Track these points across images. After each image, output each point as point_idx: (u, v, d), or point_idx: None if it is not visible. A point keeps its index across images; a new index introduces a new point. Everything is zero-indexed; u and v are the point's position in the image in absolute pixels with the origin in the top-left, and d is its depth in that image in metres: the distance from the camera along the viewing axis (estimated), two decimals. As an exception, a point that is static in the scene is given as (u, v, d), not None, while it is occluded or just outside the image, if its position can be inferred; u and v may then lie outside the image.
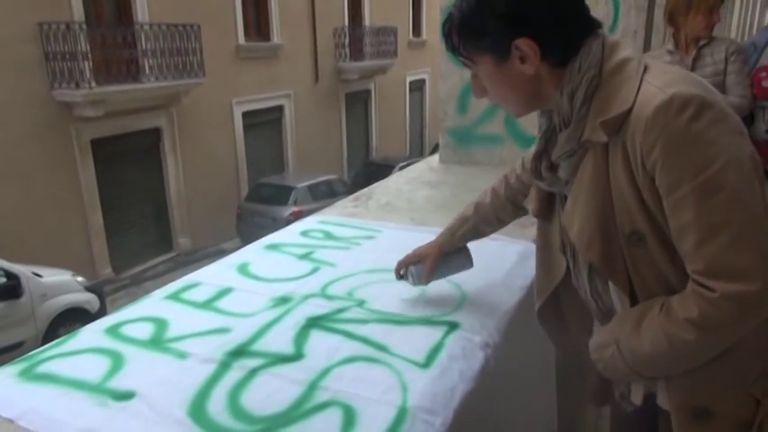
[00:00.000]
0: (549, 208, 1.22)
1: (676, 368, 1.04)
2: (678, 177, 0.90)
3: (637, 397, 1.18)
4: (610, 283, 1.10)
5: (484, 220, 1.54)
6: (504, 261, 1.84)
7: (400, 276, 1.63)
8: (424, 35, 20.84)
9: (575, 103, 1.01)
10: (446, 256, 1.59)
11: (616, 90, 0.98)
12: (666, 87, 0.92)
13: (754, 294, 0.88)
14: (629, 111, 0.95)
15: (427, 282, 1.58)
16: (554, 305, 1.30)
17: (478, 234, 1.59)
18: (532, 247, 1.95)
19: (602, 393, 1.34)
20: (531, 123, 3.33)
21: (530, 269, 1.79)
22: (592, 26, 1.03)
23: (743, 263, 0.89)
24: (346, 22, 16.73)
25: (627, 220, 1.00)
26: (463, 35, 1.07)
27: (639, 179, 0.96)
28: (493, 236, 1.93)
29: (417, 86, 21.11)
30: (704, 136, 0.89)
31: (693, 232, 0.91)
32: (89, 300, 7.70)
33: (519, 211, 1.50)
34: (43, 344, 1.44)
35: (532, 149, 1.24)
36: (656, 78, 0.96)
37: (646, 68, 0.98)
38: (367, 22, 17.60)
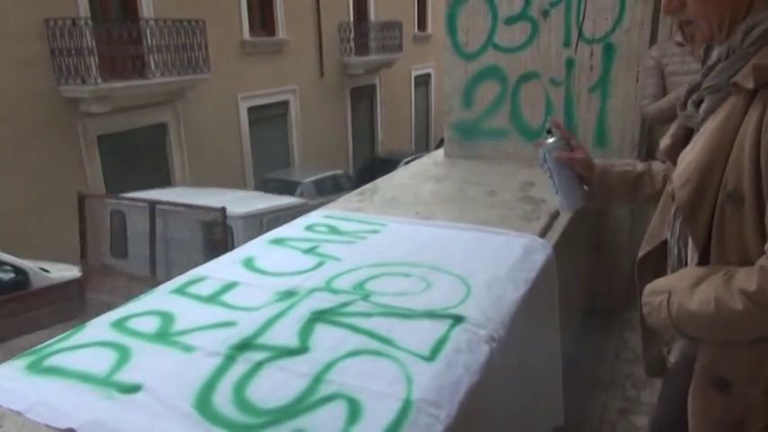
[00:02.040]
0: (681, 148, 1.15)
1: (713, 334, 1.04)
2: None
3: (674, 354, 1.19)
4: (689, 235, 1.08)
5: (647, 177, 1.44)
6: (510, 255, 1.83)
7: (548, 131, 1.49)
8: (429, 29, 20.77)
9: (748, 37, 0.97)
10: (580, 176, 1.46)
11: None
12: None
13: None
14: None
15: (550, 159, 1.45)
16: (656, 258, 1.25)
17: (635, 187, 1.45)
18: (538, 242, 1.96)
19: (657, 364, 1.33)
20: (536, 117, 3.33)
21: (534, 263, 1.79)
22: None
23: None
24: (351, 17, 16.69)
25: (734, 178, 0.97)
26: None
27: (764, 141, 0.92)
28: (498, 230, 1.93)
29: (422, 81, 21.05)
30: None
31: None
32: (96, 295, 7.72)
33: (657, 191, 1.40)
34: (51, 338, 1.45)
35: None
36: None
37: None
38: (372, 16, 17.55)
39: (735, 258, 1.01)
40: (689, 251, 1.11)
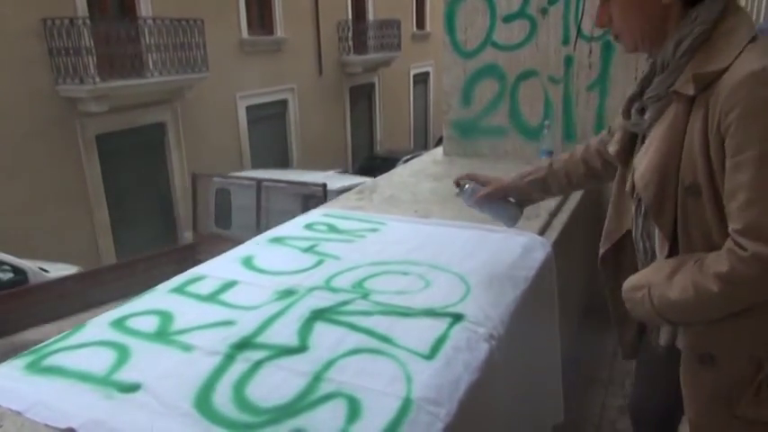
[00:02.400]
0: (628, 153, 1.29)
1: (697, 316, 1.12)
2: (745, 141, 0.97)
3: (663, 339, 1.27)
4: (656, 230, 1.18)
5: (553, 175, 1.60)
6: (509, 253, 1.83)
7: (457, 185, 1.69)
8: (428, 27, 20.76)
9: (678, 51, 1.08)
10: (504, 196, 1.65)
11: (719, 51, 1.04)
12: (763, 59, 0.98)
13: None
14: (723, 72, 1.01)
15: (474, 203, 1.64)
16: (615, 253, 1.37)
17: (545, 186, 1.63)
18: (537, 240, 1.96)
19: (634, 347, 1.46)
20: (535, 115, 3.33)
21: (534, 261, 1.79)
22: None
23: None
24: (350, 16, 16.67)
25: (690, 173, 1.07)
26: None
27: (712, 137, 1.02)
28: (497, 228, 1.93)
29: (421, 79, 21.04)
30: None
31: (743, 193, 0.98)
32: (96, 294, 7.73)
33: (590, 173, 1.55)
34: (50, 338, 1.45)
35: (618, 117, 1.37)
36: (759, 50, 1.02)
37: (753, 39, 1.04)
38: (370, 15, 17.53)
39: (701, 245, 1.10)
40: (657, 244, 1.19)
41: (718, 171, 1.03)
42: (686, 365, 1.18)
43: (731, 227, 1.02)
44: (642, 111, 1.20)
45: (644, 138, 1.22)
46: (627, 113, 1.25)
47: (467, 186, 1.65)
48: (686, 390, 1.19)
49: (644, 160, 1.15)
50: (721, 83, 1.01)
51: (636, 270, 1.31)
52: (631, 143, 1.28)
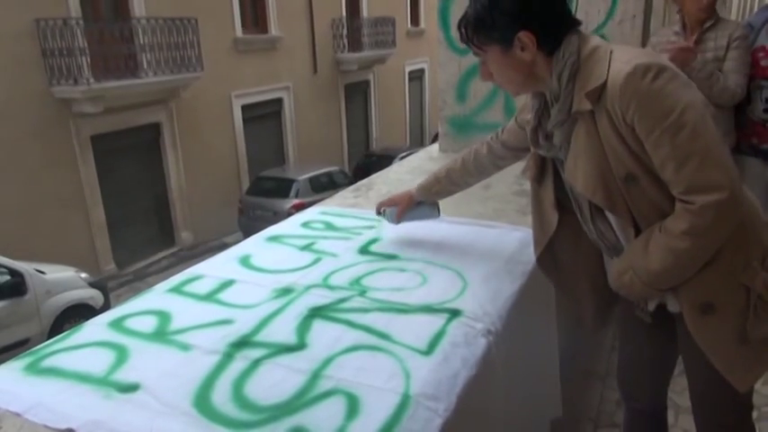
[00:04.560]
0: (542, 172, 1.50)
1: (683, 274, 1.25)
2: (651, 124, 1.17)
3: (652, 306, 1.42)
4: (613, 221, 1.35)
5: (453, 183, 1.87)
6: (505, 248, 1.84)
7: (379, 213, 1.99)
8: (423, 24, 20.74)
9: (561, 81, 1.29)
10: (417, 204, 1.92)
11: (591, 69, 1.25)
12: (630, 61, 1.19)
13: (725, 200, 1.14)
14: (605, 83, 1.21)
15: (397, 222, 1.94)
16: (550, 253, 1.57)
17: (449, 192, 1.92)
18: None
19: (598, 319, 1.61)
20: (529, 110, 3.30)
21: (530, 255, 1.80)
22: (573, 23, 1.31)
23: (712, 177, 1.14)
24: (344, 13, 16.64)
25: (621, 167, 1.25)
26: (476, 29, 1.33)
27: (624, 132, 1.21)
28: (494, 223, 1.94)
29: (416, 76, 21.03)
30: (664, 90, 1.16)
31: (671, 162, 1.17)
32: (93, 296, 7.71)
33: (484, 176, 1.85)
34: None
35: (510, 125, 1.69)
36: (621, 56, 1.23)
37: (611, 51, 1.25)
38: (365, 12, 17.51)
39: (656, 218, 1.26)
40: (620, 234, 1.36)
41: (642, 154, 1.21)
42: (692, 321, 1.28)
43: (675, 191, 1.19)
44: (547, 137, 1.40)
45: (560, 160, 1.40)
46: (535, 142, 1.43)
47: (387, 211, 1.94)
48: (701, 342, 1.29)
49: (578, 174, 1.31)
50: (608, 91, 1.20)
51: (572, 262, 1.56)
52: (543, 165, 1.49)
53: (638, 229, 1.30)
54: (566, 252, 1.55)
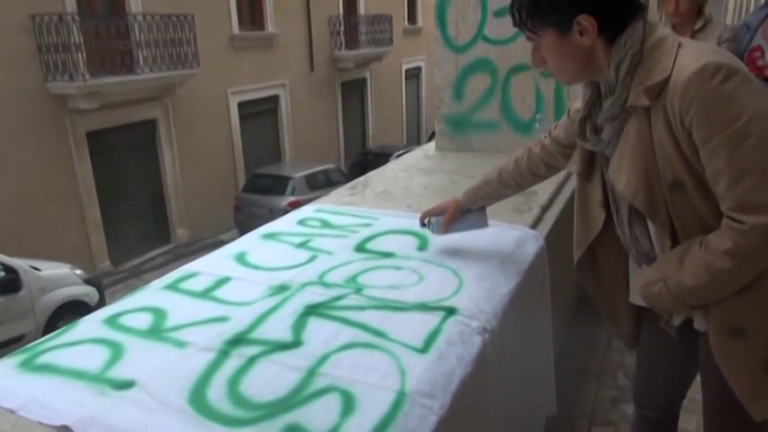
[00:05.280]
0: (589, 168, 1.40)
1: (716, 295, 1.19)
2: (711, 130, 1.08)
3: (677, 321, 1.35)
4: (650, 228, 1.28)
5: (504, 185, 1.73)
6: (502, 247, 1.84)
7: (423, 225, 1.85)
8: (420, 22, 20.73)
9: (620, 73, 1.19)
10: (465, 212, 1.77)
11: (655, 62, 1.16)
12: (699, 58, 1.09)
13: None
14: (668, 78, 1.12)
15: (444, 232, 1.79)
16: (590, 257, 1.47)
17: (499, 197, 1.80)
18: (529, 233, 1.97)
19: (635, 336, 1.53)
20: (526, 109, 3.33)
21: (526, 254, 1.80)
22: (638, 8, 1.21)
23: (767, 198, 1.06)
24: (341, 11, 16.62)
25: (669, 171, 1.17)
26: (532, 11, 1.23)
27: (679, 135, 1.13)
28: (490, 221, 1.94)
29: (413, 74, 21.02)
30: (732, 96, 1.06)
31: (726, 175, 1.08)
32: (88, 292, 7.70)
33: (537, 178, 1.70)
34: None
35: (563, 120, 1.54)
36: (689, 51, 1.13)
37: (680, 44, 1.16)
38: (362, 9, 17.49)
39: (698, 230, 1.19)
40: (655, 242, 1.28)
41: (695, 162, 1.13)
42: (718, 343, 1.23)
43: (724, 206, 1.11)
44: (596, 130, 1.31)
45: (606, 155, 1.32)
46: (582, 135, 1.35)
47: (432, 221, 1.81)
48: (725, 367, 1.23)
49: (622, 172, 1.24)
50: (670, 88, 1.12)
51: (614, 268, 1.45)
52: (590, 160, 1.40)
53: (674, 240, 1.23)
54: (608, 258, 1.45)
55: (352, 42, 16.67)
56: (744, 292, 1.16)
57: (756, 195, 1.06)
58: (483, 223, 1.81)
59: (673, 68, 1.12)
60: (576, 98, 1.43)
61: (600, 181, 1.38)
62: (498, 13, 3.12)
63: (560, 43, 1.22)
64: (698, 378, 1.45)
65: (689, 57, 1.11)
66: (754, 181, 1.06)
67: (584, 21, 1.17)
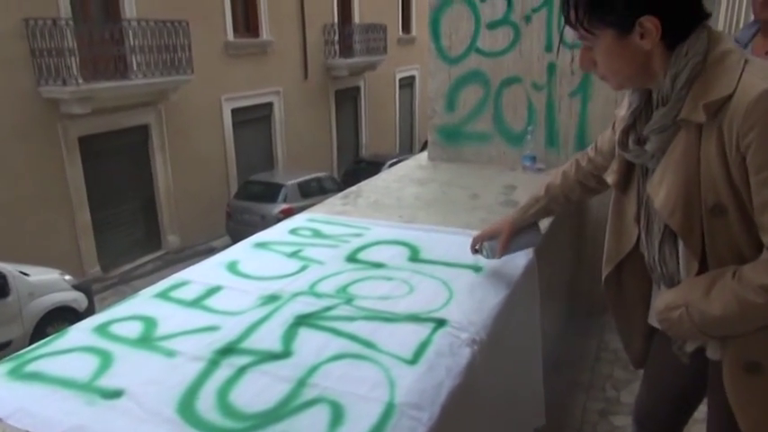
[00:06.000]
0: (627, 180, 1.34)
1: (742, 328, 1.14)
2: None
3: (691, 347, 1.30)
4: (680, 251, 1.22)
5: (554, 200, 1.66)
6: (491, 259, 1.85)
7: (475, 251, 1.78)
8: (414, 32, 20.83)
9: (676, 84, 1.12)
10: (518, 231, 1.71)
11: (717, 77, 1.08)
12: (767, 79, 1.02)
13: None
14: (730, 96, 1.05)
15: (501, 256, 1.72)
16: (616, 273, 1.41)
17: (549, 212, 1.73)
18: (519, 245, 1.98)
19: (642, 357, 1.50)
20: (518, 121, 3.36)
21: (516, 266, 1.82)
22: (703, 15, 1.13)
23: None
24: (336, 19, 16.68)
25: (712, 194, 1.11)
26: (591, 9, 1.14)
27: (731, 158, 1.06)
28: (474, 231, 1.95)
29: (407, 83, 21.10)
30: None
31: None
32: (77, 298, 7.64)
33: (587, 192, 1.62)
34: (31, 343, 1.44)
35: (608, 132, 1.46)
36: (757, 71, 1.06)
37: (746, 61, 1.08)
38: (356, 18, 17.56)
39: (730, 260, 1.13)
40: (682, 265, 1.22)
41: (743, 188, 1.07)
42: (732, 376, 1.19)
43: (767, 239, 1.06)
44: (639, 141, 1.23)
45: (645, 166, 1.27)
46: (624, 145, 1.27)
47: (485, 246, 1.75)
48: (735, 400, 1.20)
49: (661, 189, 1.18)
50: (731, 106, 1.05)
51: (638, 287, 1.40)
52: (628, 172, 1.33)
53: (702, 265, 1.18)
54: (633, 275, 1.39)
55: (346, 51, 16.72)
56: (765, 328, 1.12)
57: None
58: (536, 240, 1.77)
59: (737, 87, 1.05)
60: (621, 107, 1.37)
61: (636, 194, 1.32)
62: (491, 26, 3.15)
63: (618, 45, 1.14)
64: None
65: (757, 76, 1.04)
66: None
67: (648, 22, 1.09)
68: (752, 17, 2.78)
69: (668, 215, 1.17)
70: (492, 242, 1.72)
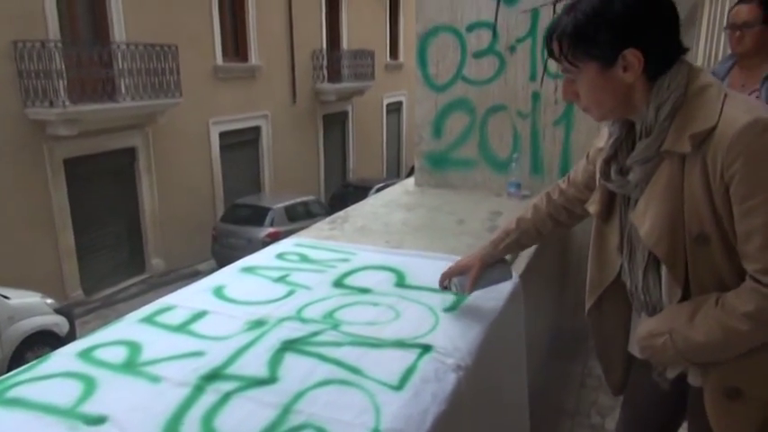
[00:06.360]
0: (609, 210, 1.35)
1: (725, 355, 1.17)
2: (754, 188, 1.05)
3: (672, 373, 1.32)
4: (663, 279, 1.24)
5: (525, 234, 1.65)
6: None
7: (444, 288, 1.73)
8: (401, 58, 21.10)
9: (660, 115, 1.15)
10: (487, 267, 1.67)
11: (699, 109, 1.12)
12: (749, 112, 1.07)
13: None
14: (714, 128, 1.08)
15: (470, 292, 1.67)
16: (598, 303, 1.43)
17: (520, 246, 1.72)
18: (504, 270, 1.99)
19: (622, 384, 1.51)
20: (503, 148, 3.40)
21: (501, 292, 1.83)
22: (682, 49, 1.17)
23: None
24: (324, 45, 16.87)
25: (696, 224, 1.13)
26: (575, 43, 1.16)
27: (715, 188, 1.09)
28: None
29: (394, 108, 21.30)
30: None
31: (759, 236, 1.05)
32: (58, 322, 7.50)
33: (558, 226, 1.62)
34: (9, 368, 1.42)
35: (581, 163, 1.49)
36: (737, 104, 1.10)
37: (726, 95, 1.12)
38: (345, 44, 17.77)
39: (712, 287, 1.16)
40: (665, 292, 1.25)
41: (726, 218, 1.10)
42: (713, 402, 1.21)
43: (751, 267, 1.08)
44: (622, 171, 1.25)
45: (627, 196, 1.28)
46: (606, 175, 1.29)
47: (454, 282, 1.70)
48: (717, 425, 1.22)
49: (647, 218, 1.19)
50: (715, 138, 1.08)
51: (619, 316, 1.41)
52: (611, 201, 1.34)
53: (685, 292, 1.20)
54: (614, 304, 1.41)
55: (334, 76, 16.88)
56: (746, 355, 1.14)
57: None
58: (507, 276, 1.72)
59: (719, 119, 1.08)
60: (598, 138, 1.39)
61: (618, 224, 1.33)
62: (477, 55, 3.22)
63: (601, 78, 1.16)
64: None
65: (738, 109, 1.08)
66: None
67: (631, 56, 1.12)
68: (729, 51, 2.87)
69: (654, 244, 1.19)
70: (462, 278, 1.67)
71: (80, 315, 9.41)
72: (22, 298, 7.28)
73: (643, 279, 1.28)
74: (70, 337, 7.23)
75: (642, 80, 1.15)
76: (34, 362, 1.40)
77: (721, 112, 1.09)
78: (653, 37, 1.13)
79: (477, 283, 1.66)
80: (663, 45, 1.14)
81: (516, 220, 1.65)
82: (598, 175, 1.33)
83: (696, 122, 1.10)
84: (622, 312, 1.41)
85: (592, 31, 1.13)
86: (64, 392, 1.26)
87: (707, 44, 5.56)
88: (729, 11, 2.76)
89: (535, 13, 3.05)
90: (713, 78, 1.17)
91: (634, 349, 1.37)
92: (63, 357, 1.43)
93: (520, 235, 1.64)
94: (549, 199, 1.60)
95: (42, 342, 6.98)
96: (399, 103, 21.46)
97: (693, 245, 1.15)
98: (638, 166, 1.21)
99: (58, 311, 7.65)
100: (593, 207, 1.38)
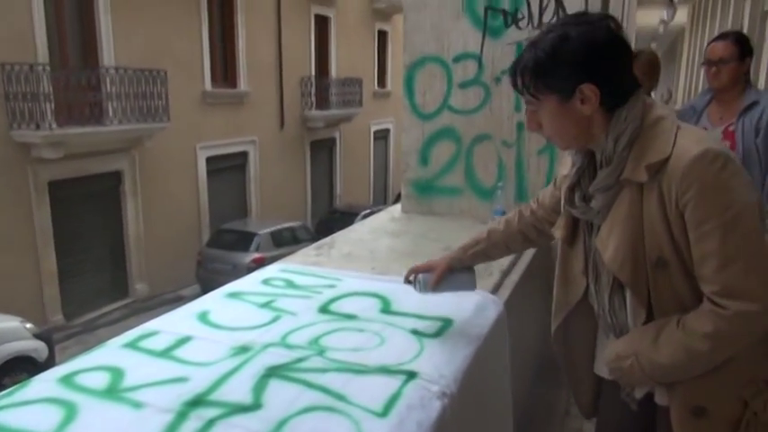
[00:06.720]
0: (573, 234, 1.42)
1: (689, 374, 1.22)
2: (707, 214, 1.12)
3: (640, 393, 1.37)
4: (628, 301, 1.30)
5: (494, 246, 1.71)
6: (462, 311, 1.87)
7: (408, 281, 1.77)
8: (389, 86, 21.37)
9: (618, 145, 1.22)
10: (453, 271, 1.70)
11: (653, 140, 1.19)
12: (700, 143, 1.14)
13: (759, 313, 1.11)
14: (668, 158, 1.16)
15: (431, 291, 1.71)
16: (564, 326, 1.49)
17: (487, 257, 1.76)
18: (489, 298, 2.02)
19: (593, 406, 1.57)
20: (489, 177, 3.44)
21: (486, 319, 1.84)
22: (636, 85, 1.25)
23: (752, 287, 1.11)
24: (313, 72, 17.06)
25: (655, 249, 1.20)
26: (535, 76, 1.23)
27: (671, 215, 1.16)
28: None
29: (382, 135, 21.49)
30: (729, 183, 1.12)
31: (714, 259, 1.12)
32: (37, 348, 7.37)
33: (528, 242, 1.70)
34: (-14, 394, 1.40)
35: (549, 188, 1.57)
36: (689, 135, 1.18)
37: (679, 127, 1.20)
38: (333, 72, 17.98)
39: (673, 309, 1.22)
40: (630, 314, 1.30)
41: (682, 243, 1.16)
42: (680, 420, 1.26)
43: (708, 289, 1.15)
44: (585, 198, 1.32)
45: (591, 223, 1.35)
46: (570, 202, 1.36)
47: (419, 279, 1.74)
48: None
49: (610, 243, 1.25)
50: (669, 168, 1.15)
51: (584, 338, 1.48)
52: (575, 227, 1.41)
53: (649, 314, 1.26)
54: (579, 327, 1.47)
55: (322, 103, 17.03)
56: (709, 373, 1.20)
57: (743, 282, 1.11)
58: (471, 285, 1.75)
59: (672, 150, 1.15)
60: (563, 165, 1.45)
61: (582, 248, 1.39)
62: (463, 86, 3.28)
63: (561, 109, 1.23)
64: None
65: (690, 140, 1.15)
66: (741, 268, 1.10)
67: (588, 90, 1.19)
68: (707, 85, 2.96)
69: (617, 269, 1.25)
70: (426, 275, 1.71)
71: (60, 340, 9.25)
72: (0, 322, 7.14)
73: (609, 302, 1.34)
74: (49, 362, 7.09)
75: (600, 112, 1.22)
76: (13, 387, 1.38)
77: (674, 144, 1.16)
78: (607, 72, 1.20)
79: (441, 285, 1.70)
80: (617, 80, 1.21)
81: (488, 230, 1.72)
82: (563, 201, 1.39)
83: (651, 153, 1.18)
84: (588, 334, 1.47)
85: (551, 66, 1.20)
86: (44, 419, 1.24)
87: (686, 78, 5.71)
88: (706, 47, 2.86)
89: (519, 47, 3.13)
90: (666, 111, 1.25)
91: (602, 371, 1.41)
92: (44, 383, 1.41)
93: (488, 246, 1.70)
94: (522, 216, 1.66)
95: (20, 368, 6.85)
96: (387, 131, 21.66)
97: (654, 269, 1.21)
98: (599, 193, 1.27)
99: (37, 336, 7.52)
100: (558, 232, 1.45)
